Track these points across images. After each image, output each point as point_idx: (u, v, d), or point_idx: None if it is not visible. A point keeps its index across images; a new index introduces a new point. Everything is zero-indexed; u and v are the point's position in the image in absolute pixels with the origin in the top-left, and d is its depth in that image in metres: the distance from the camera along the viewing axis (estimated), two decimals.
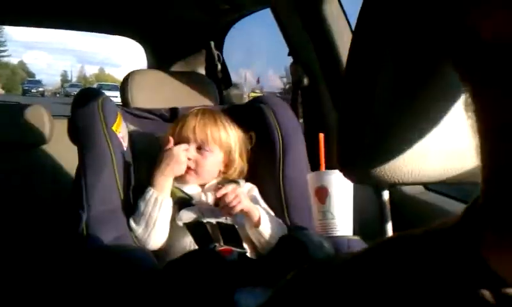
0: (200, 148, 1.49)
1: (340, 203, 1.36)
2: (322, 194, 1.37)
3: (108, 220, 1.34)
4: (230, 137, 1.53)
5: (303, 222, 1.50)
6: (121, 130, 1.51)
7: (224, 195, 1.34)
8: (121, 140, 1.48)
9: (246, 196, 1.38)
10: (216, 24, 2.34)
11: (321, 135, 1.44)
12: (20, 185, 2.03)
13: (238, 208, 1.33)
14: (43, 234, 1.88)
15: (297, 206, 1.53)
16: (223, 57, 2.49)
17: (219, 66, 2.45)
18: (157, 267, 1.20)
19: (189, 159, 1.47)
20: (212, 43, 2.43)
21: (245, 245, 1.36)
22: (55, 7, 2.18)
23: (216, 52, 2.45)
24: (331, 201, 1.36)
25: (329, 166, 1.42)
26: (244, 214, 1.37)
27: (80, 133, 1.45)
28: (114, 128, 1.46)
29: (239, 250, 1.31)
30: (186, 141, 1.48)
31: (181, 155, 1.43)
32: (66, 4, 2.15)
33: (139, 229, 1.36)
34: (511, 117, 0.27)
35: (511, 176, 0.28)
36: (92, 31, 2.64)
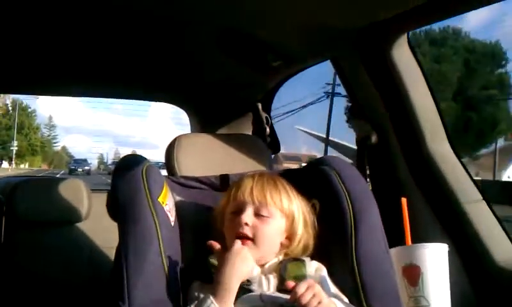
0: (258, 214, 1.27)
1: (437, 286, 1.11)
2: (413, 274, 1.12)
3: None
4: (292, 203, 1.31)
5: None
6: (168, 202, 1.31)
7: (299, 292, 1.08)
8: (168, 213, 1.28)
9: (325, 295, 1.12)
10: (264, 84, 2.18)
11: (404, 200, 1.20)
12: (57, 264, 1.84)
13: None
14: None
15: (377, 290, 1.27)
16: (271, 120, 2.31)
17: (268, 130, 2.27)
18: None
19: (246, 225, 1.25)
20: (260, 105, 2.26)
21: None
22: (97, 75, 2.06)
23: (264, 114, 2.27)
24: (425, 283, 1.11)
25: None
26: None
27: (121, 205, 1.25)
28: (160, 199, 1.26)
29: None
30: (242, 205, 1.28)
31: (245, 250, 1.18)
32: (108, 72, 2.03)
33: None
34: None
35: None
36: (133, 98, 2.51)
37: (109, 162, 67.61)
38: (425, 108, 1.45)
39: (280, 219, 1.30)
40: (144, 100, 2.52)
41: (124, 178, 1.31)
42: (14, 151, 36.37)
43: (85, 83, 2.17)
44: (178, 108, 2.45)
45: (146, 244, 1.18)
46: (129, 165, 1.36)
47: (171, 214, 1.29)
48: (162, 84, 2.21)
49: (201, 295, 1.18)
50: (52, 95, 2.55)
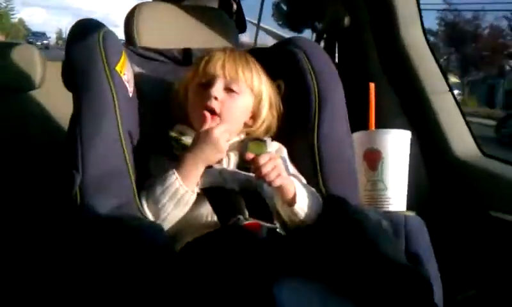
0: (228, 89, 1.22)
1: (396, 171, 1.11)
2: (374, 158, 1.12)
3: (108, 184, 1.07)
4: (261, 83, 1.26)
5: (342, 191, 1.24)
6: (126, 72, 1.23)
7: (260, 163, 1.05)
8: (127, 83, 1.21)
9: (283, 168, 1.09)
10: None
11: (372, 85, 1.17)
12: (8, 132, 1.76)
13: (276, 184, 1.06)
14: (31, 193, 1.63)
15: (336, 172, 1.27)
16: None
17: (235, 6, 2.16)
18: (170, 246, 0.95)
19: (215, 99, 1.19)
20: None
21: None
22: None
23: None
24: (384, 168, 1.11)
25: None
26: (278, 190, 1.09)
27: (76, 73, 1.17)
28: (118, 68, 1.18)
29: (268, 225, 1.06)
30: (212, 79, 1.21)
31: (222, 140, 1.11)
32: None
33: (147, 211, 1.09)
34: None
35: None
36: None
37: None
38: None
39: (248, 97, 1.25)
40: None
41: (79, 44, 1.22)
42: None
43: None
44: None
45: (102, 113, 1.12)
46: (85, 30, 1.26)
47: (129, 85, 1.23)
48: None
49: (160, 171, 1.16)
50: None
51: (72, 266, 0.99)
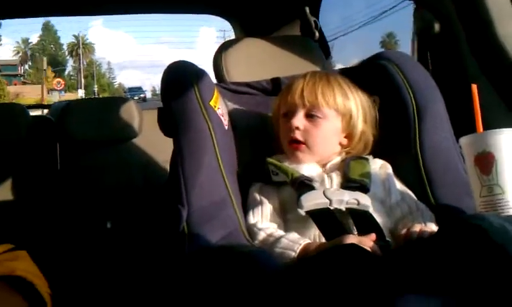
0: (309, 115, 1.21)
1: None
2: (487, 162, 1.04)
3: (214, 216, 1.09)
4: (349, 99, 1.23)
5: (453, 200, 1.18)
6: (220, 106, 1.26)
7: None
8: (221, 117, 1.23)
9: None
10: None
11: (474, 87, 1.10)
12: (113, 182, 1.85)
13: None
14: (137, 235, 1.69)
15: (445, 182, 1.21)
16: (320, 25, 2.19)
17: (317, 35, 2.15)
18: (283, 270, 0.93)
19: (297, 129, 1.19)
20: (307, 9, 2.14)
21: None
22: None
23: (312, 19, 2.15)
24: (499, 170, 1.03)
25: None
26: None
27: (173, 114, 1.21)
28: (212, 103, 1.21)
29: (381, 243, 1.02)
30: (292, 108, 1.21)
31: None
32: None
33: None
34: None
35: None
36: (175, 10, 2.42)
37: None
38: None
39: (335, 118, 1.23)
40: (189, 12, 2.43)
41: (174, 85, 1.27)
42: (96, 91, 48.86)
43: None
44: (225, 33, 2.36)
45: (201, 147, 1.14)
46: (178, 72, 1.31)
47: (224, 118, 1.25)
48: None
49: (262, 198, 1.16)
50: (79, 14, 2.48)
51: (187, 300, 1.00)
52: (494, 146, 1.03)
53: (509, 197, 1.03)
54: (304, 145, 1.20)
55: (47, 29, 55.69)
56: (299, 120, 1.20)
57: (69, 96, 34.45)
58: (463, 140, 1.09)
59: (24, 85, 43.93)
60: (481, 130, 1.08)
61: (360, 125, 1.25)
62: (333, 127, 1.23)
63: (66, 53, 56.29)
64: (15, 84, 43.05)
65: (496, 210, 1.03)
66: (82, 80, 48.69)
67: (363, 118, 1.25)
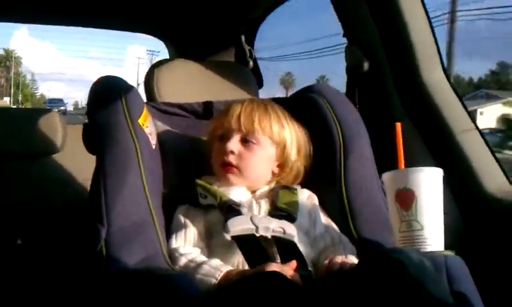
0: (245, 140, 1.21)
1: (431, 210, 1.06)
2: (407, 198, 1.07)
3: (134, 237, 1.04)
4: (284, 129, 1.24)
5: (374, 234, 1.21)
6: (149, 125, 1.23)
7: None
8: (149, 136, 1.20)
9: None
10: (247, 14, 2.07)
11: (398, 125, 1.14)
12: (31, 198, 1.75)
13: None
14: (56, 253, 1.60)
15: (366, 216, 1.24)
16: (255, 54, 2.21)
17: (251, 64, 2.17)
18: (203, 296, 0.90)
19: (231, 153, 1.19)
20: (243, 38, 2.16)
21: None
22: (72, 4, 1.93)
23: (247, 47, 2.17)
24: (418, 207, 1.06)
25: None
26: None
27: (98, 128, 1.16)
28: (140, 121, 1.18)
29: (302, 272, 1.02)
30: (229, 132, 1.21)
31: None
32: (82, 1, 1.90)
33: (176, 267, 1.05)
34: None
35: None
36: (112, 28, 2.37)
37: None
38: (420, 34, 1.38)
39: (269, 146, 1.24)
40: (124, 30, 2.38)
41: (101, 100, 1.23)
42: (20, 100, 50.68)
43: (63, 10, 2.03)
44: (154, 55, 2.34)
45: (126, 165, 1.10)
46: (106, 86, 1.27)
47: (151, 137, 1.22)
48: (139, 13, 2.09)
49: (187, 221, 1.13)
50: (24, 22, 2.39)
51: None
52: (414, 183, 1.06)
53: (427, 233, 1.07)
54: (236, 169, 1.20)
55: None
56: (234, 144, 1.20)
57: None
58: (385, 176, 1.12)
59: None
60: (403, 167, 1.12)
61: (293, 156, 1.26)
62: (266, 155, 1.23)
63: None
64: None
65: (414, 245, 1.06)
66: (12, 89, 51.44)
67: (296, 149, 1.26)
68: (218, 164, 1.22)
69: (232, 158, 1.20)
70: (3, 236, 1.65)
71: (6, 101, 42.77)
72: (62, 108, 36.69)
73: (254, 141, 1.21)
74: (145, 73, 1.57)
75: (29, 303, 1.58)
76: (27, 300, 1.58)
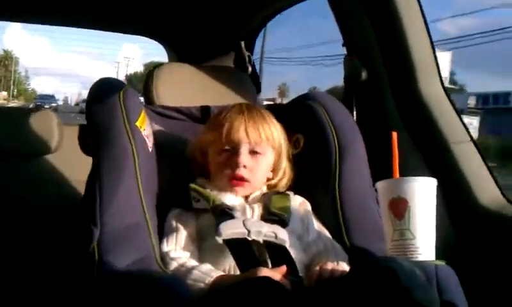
0: (253, 152, 1.22)
1: (423, 220, 1.07)
2: (400, 207, 1.08)
3: (127, 239, 1.05)
4: (280, 135, 1.26)
5: (367, 242, 1.21)
6: (146, 128, 1.24)
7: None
8: (146, 138, 1.21)
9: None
10: (247, 21, 2.08)
11: (394, 134, 1.15)
12: (24, 198, 1.75)
13: None
14: (48, 254, 1.60)
15: (359, 224, 1.24)
16: (253, 60, 2.23)
17: (250, 69, 2.19)
18: (194, 299, 0.91)
19: (244, 167, 1.19)
20: (243, 44, 2.17)
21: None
22: (71, 4, 1.94)
23: (246, 53, 2.18)
24: (411, 216, 1.07)
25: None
26: None
27: (96, 129, 1.17)
28: (138, 124, 1.19)
29: (293, 278, 1.02)
30: (237, 146, 1.21)
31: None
32: (82, 1, 1.91)
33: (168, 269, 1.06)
34: None
35: None
36: (110, 30, 2.38)
37: (73, 104, 65.70)
38: (419, 46, 1.39)
39: (270, 154, 1.26)
40: (125, 33, 2.39)
41: (99, 102, 1.24)
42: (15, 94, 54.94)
43: (56, 10, 2.03)
44: (148, 52, 2.35)
45: (121, 166, 1.11)
46: (104, 89, 1.28)
47: (148, 140, 1.23)
48: (140, 15, 2.10)
49: (179, 225, 1.14)
50: (18, 21, 2.39)
51: None
52: (408, 192, 1.07)
53: (419, 243, 1.07)
54: (246, 182, 1.21)
55: None
56: (245, 158, 1.20)
57: None
58: (379, 184, 1.12)
59: None
60: (397, 176, 1.13)
61: (285, 160, 1.28)
62: (268, 163, 1.26)
63: None
64: None
65: (406, 254, 1.06)
66: (12, 86, 56.18)
67: (287, 154, 1.28)
68: (227, 177, 1.21)
69: (244, 172, 1.20)
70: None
71: (5, 94, 46.65)
72: (53, 104, 34.92)
73: (260, 152, 1.23)
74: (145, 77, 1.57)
75: (22, 303, 1.58)
76: (20, 300, 1.58)
